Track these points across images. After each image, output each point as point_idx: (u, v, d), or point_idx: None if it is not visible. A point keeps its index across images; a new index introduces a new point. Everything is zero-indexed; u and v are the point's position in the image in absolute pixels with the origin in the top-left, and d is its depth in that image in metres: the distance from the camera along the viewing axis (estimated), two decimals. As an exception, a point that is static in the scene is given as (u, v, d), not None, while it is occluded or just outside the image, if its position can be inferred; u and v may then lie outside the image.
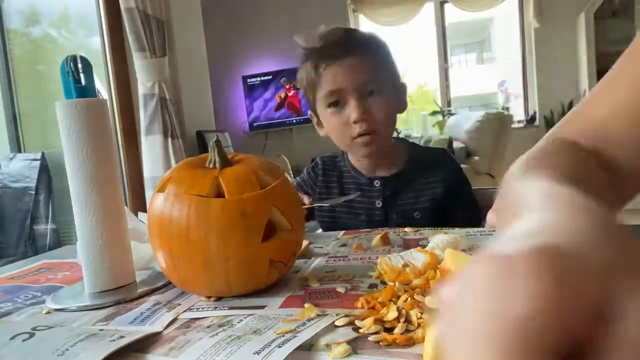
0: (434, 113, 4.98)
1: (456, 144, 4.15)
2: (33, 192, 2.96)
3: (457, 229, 0.84)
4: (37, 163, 2.99)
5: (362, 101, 0.91)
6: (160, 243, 0.57)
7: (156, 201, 0.57)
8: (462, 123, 4.26)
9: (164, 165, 2.52)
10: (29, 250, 2.89)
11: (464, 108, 5.26)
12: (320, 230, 1.04)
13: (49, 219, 2.93)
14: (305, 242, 0.79)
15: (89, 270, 0.63)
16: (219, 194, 0.56)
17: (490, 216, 0.86)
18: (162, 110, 2.55)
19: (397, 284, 0.53)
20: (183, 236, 0.54)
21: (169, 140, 2.54)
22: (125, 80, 2.60)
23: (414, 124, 5.74)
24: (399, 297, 0.51)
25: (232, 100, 4.78)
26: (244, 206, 0.55)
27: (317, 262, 0.72)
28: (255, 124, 4.78)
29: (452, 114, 4.83)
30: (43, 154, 2.98)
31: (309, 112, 1.01)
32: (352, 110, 0.91)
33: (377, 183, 0.98)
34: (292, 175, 3.65)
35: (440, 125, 4.75)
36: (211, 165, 0.60)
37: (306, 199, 0.89)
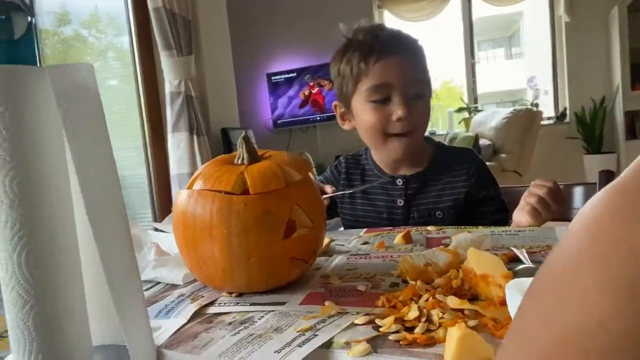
0: (460, 110, 4.90)
1: (483, 142, 4.08)
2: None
3: (481, 228, 0.83)
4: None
5: (407, 101, 0.90)
6: (184, 240, 0.58)
7: (180, 197, 0.58)
8: (489, 120, 4.19)
9: (190, 162, 2.56)
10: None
11: (492, 104, 5.15)
12: (342, 228, 1.04)
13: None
14: (326, 240, 0.79)
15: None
16: (246, 190, 0.56)
17: (517, 215, 0.85)
18: (188, 108, 2.59)
19: (418, 283, 0.52)
20: (206, 233, 0.55)
21: (195, 137, 2.58)
22: (152, 78, 2.65)
23: (440, 121, 5.67)
24: (420, 296, 0.50)
25: (256, 98, 4.82)
26: (267, 204, 0.55)
27: (338, 259, 0.72)
28: (279, 122, 4.80)
29: (478, 111, 4.74)
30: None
31: (335, 103, 1.00)
32: (398, 107, 0.90)
33: (399, 182, 0.97)
34: (315, 174, 3.67)
35: (467, 122, 4.68)
36: (239, 162, 0.61)
37: (328, 188, 0.89)
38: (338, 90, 0.96)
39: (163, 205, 2.62)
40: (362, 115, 0.93)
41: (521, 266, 0.56)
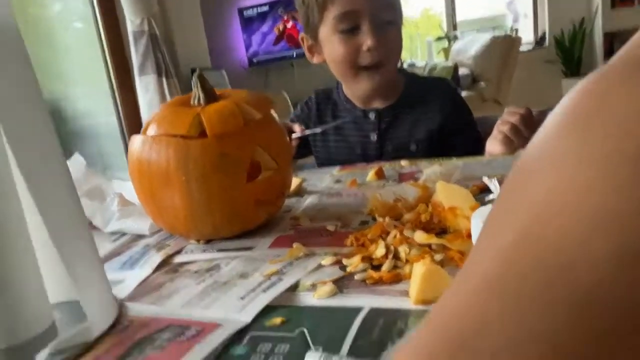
0: (439, 39, 4.77)
1: (462, 70, 4.02)
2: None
3: (454, 160, 0.81)
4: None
5: (378, 29, 0.85)
6: (142, 189, 0.55)
7: (134, 144, 0.55)
8: (468, 48, 4.10)
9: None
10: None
11: (471, 31, 5.00)
12: (315, 166, 1.02)
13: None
14: (298, 180, 0.78)
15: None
16: (203, 133, 0.53)
17: (489, 144, 0.84)
18: (153, 49, 2.46)
19: (387, 219, 0.51)
20: (163, 181, 0.53)
21: (164, 79, 2.48)
22: (113, 17, 2.49)
23: (419, 51, 5.53)
24: (388, 233, 0.50)
25: (228, 35, 4.59)
26: (225, 146, 0.52)
27: (309, 200, 0.70)
28: (254, 60, 4.62)
29: (458, 39, 4.63)
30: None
31: (302, 34, 0.94)
32: (367, 37, 0.84)
33: (372, 115, 0.94)
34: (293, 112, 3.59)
35: (446, 51, 4.58)
36: (195, 102, 0.57)
37: (297, 127, 0.85)
38: (304, 21, 0.90)
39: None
40: (330, 47, 0.88)
41: (491, 196, 0.56)
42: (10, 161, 0.37)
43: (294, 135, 0.83)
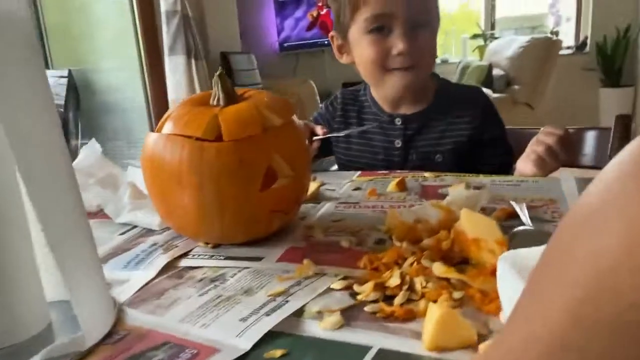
0: (475, 36, 4.64)
1: (496, 72, 3.90)
2: (62, 110, 2.98)
3: (482, 176, 0.77)
4: (65, 80, 2.98)
5: (410, 32, 0.81)
6: (152, 187, 0.53)
7: (149, 141, 0.53)
8: (505, 48, 3.97)
9: (188, 87, 2.47)
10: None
11: (510, 30, 4.84)
12: (336, 167, 0.99)
13: (78, 136, 2.97)
14: (315, 184, 0.75)
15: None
16: (220, 136, 0.50)
17: (521, 163, 0.79)
18: (185, 29, 2.45)
19: (404, 244, 0.48)
20: (175, 181, 0.50)
21: (193, 61, 2.47)
22: (147, -5, 2.48)
23: (453, 48, 5.39)
24: (405, 259, 0.47)
25: (261, 18, 4.55)
26: (241, 152, 0.50)
27: (325, 207, 0.67)
28: (285, 45, 4.57)
29: (495, 38, 4.49)
30: (70, 71, 2.96)
31: (332, 33, 0.91)
32: (398, 40, 0.80)
33: (398, 121, 0.90)
34: (319, 101, 3.54)
35: (481, 50, 4.45)
36: (215, 102, 0.54)
37: (319, 129, 0.82)
38: (335, 19, 0.87)
39: (162, 131, 2.56)
40: (360, 48, 0.84)
41: (519, 228, 0.52)
42: (12, 160, 0.35)
43: (315, 137, 0.80)
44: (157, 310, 0.43)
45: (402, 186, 0.74)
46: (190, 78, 2.47)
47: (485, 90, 3.74)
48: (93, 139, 0.73)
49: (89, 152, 0.71)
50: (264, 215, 0.53)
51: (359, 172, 0.87)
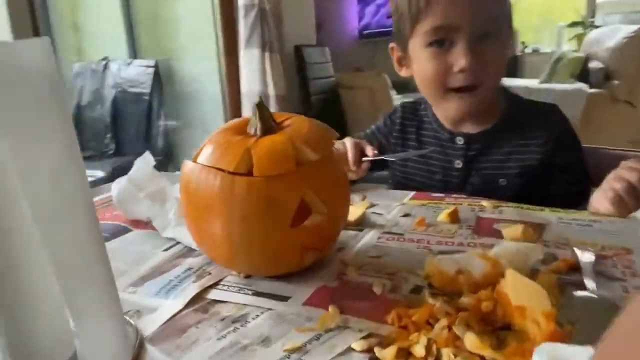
0: (574, 24, 4.24)
1: (594, 64, 3.55)
2: (147, 98, 3.17)
3: (547, 211, 0.70)
4: (151, 70, 3.16)
5: (474, 45, 0.73)
6: (188, 213, 0.53)
7: (185, 169, 0.53)
8: (607, 38, 3.58)
9: (261, 80, 2.51)
10: (144, 149, 3.18)
11: (613, 16, 4.36)
12: (390, 181, 0.94)
13: (162, 126, 3.14)
14: (362, 208, 0.72)
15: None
16: (252, 169, 0.49)
17: (596, 199, 0.70)
18: (261, 23, 2.48)
19: (439, 304, 0.44)
20: (207, 211, 0.50)
21: (267, 54, 2.50)
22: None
23: (547, 36, 4.97)
24: (437, 320, 0.42)
25: (343, 6, 4.49)
26: (272, 189, 0.48)
27: (367, 238, 0.64)
28: (365, 32, 4.48)
29: (596, 27, 4.08)
30: (156, 62, 3.13)
31: (392, 44, 0.85)
32: (460, 56, 0.73)
33: (459, 140, 0.84)
34: (392, 95, 3.45)
35: (580, 38, 4.05)
36: (253, 131, 0.53)
37: (369, 150, 0.78)
38: (395, 30, 0.81)
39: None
40: (419, 62, 0.78)
41: (579, 293, 0.45)
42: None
43: (365, 159, 0.76)
44: (175, 352, 0.42)
45: (454, 217, 0.68)
46: (264, 71, 2.50)
47: (580, 85, 3.42)
48: (147, 152, 0.75)
49: (142, 164, 0.74)
50: (294, 252, 0.51)
51: (412, 193, 0.82)
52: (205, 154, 0.51)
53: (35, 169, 0.33)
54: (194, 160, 0.52)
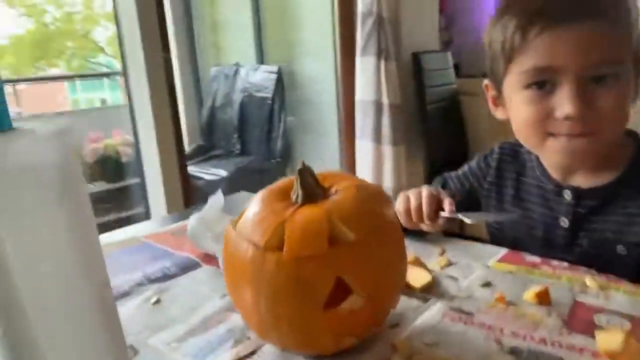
0: None
1: None
2: (270, 102, 3.32)
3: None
4: (275, 76, 3.30)
5: (583, 89, 0.60)
6: (227, 273, 0.51)
7: (228, 235, 0.51)
8: None
9: (375, 89, 2.45)
10: (266, 151, 3.35)
11: None
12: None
13: (282, 128, 3.27)
14: (429, 275, 0.63)
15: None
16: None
17: None
18: (378, 30, 2.42)
19: None
20: (239, 279, 0.48)
21: (382, 62, 2.43)
22: (348, -4, 2.52)
23: None
24: None
25: (473, 6, 4.20)
26: (301, 269, 0.43)
27: (429, 314, 0.56)
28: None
29: None
30: (279, 67, 3.26)
31: (485, 82, 0.74)
32: (565, 100, 0.60)
33: (567, 194, 0.70)
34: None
35: None
36: (294, 198, 0.49)
37: (447, 204, 0.67)
38: (488, 67, 0.70)
39: (348, 134, 2.62)
40: (514, 105, 0.66)
41: None
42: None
43: (442, 214, 0.67)
44: None
45: (544, 299, 0.57)
46: (379, 80, 2.44)
47: None
48: (219, 190, 0.75)
49: (213, 203, 0.75)
50: (326, 336, 0.46)
51: (502, 253, 0.71)
52: (242, 223, 0.49)
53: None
54: (234, 224, 0.50)
